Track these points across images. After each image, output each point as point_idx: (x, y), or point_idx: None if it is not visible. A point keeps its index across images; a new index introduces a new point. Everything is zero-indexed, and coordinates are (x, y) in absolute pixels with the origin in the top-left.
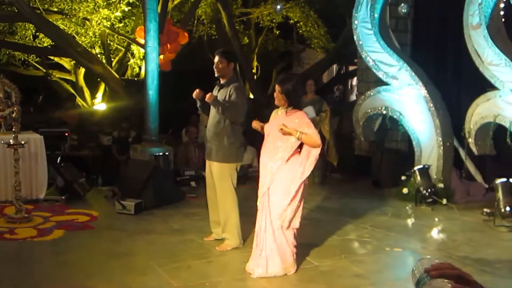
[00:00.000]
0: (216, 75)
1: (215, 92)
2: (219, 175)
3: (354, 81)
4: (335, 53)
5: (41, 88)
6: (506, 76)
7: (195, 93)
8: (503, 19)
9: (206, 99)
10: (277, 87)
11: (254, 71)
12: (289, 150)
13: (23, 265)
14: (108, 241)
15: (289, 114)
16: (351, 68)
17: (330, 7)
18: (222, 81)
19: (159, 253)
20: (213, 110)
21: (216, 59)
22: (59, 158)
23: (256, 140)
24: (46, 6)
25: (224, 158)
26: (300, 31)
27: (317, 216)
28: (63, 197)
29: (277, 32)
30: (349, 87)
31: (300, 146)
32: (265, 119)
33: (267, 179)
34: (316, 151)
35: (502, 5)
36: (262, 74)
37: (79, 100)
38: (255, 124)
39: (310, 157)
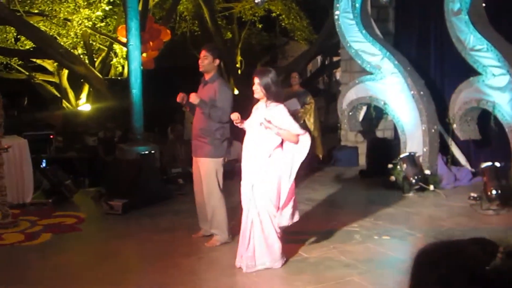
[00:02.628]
0: (200, 70)
1: (200, 89)
2: (205, 170)
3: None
4: (319, 44)
5: (25, 91)
6: (488, 61)
7: (179, 97)
8: (483, 4)
9: (190, 100)
10: (255, 79)
11: (238, 65)
12: (271, 144)
13: (11, 271)
14: (97, 243)
15: (270, 107)
16: (335, 59)
17: None
18: (206, 77)
19: (148, 252)
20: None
21: (202, 54)
22: (44, 161)
23: (242, 135)
24: (26, 8)
25: (210, 153)
26: (283, 23)
27: (304, 208)
28: (49, 200)
29: (260, 26)
30: (334, 78)
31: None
32: (249, 114)
33: (250, 174)
34: (301, 155)
35: None
36: (246, 69)
37: (63, 102)
38: (233, 116)
39: (296, 160)
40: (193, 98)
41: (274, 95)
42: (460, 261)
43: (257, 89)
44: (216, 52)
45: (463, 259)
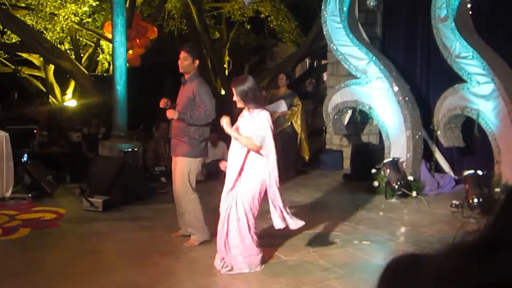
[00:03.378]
0: (180, 71)
1: (180, 89)
2: (180, 169)
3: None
4: (307, 47)
5: (11, 85)
6: (473, 69)
7: (162, 103)
8: (470, 12)
9: (168, 116)
10: (233, 90)
11: (225, 66)
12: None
13: None
14: (75, 239)
15: (254, 113)
16: (323, 62)
17: (301, 0)
18: (186, 77)
19: (126, 251)
20: (182, 102)
21: (182, 55)
22: (26, 156)
23: (227, 136)
24: (12, 1)
25: (187, 152)
26: (271, 25)
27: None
28: (29, 195)
29: (249, 27)
30: (321, 81)
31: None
32: (236, 115)
33: (233, 178)
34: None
35: None
36: (234, 69)
37: (49, 97)
38: (223, 122)
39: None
40: (171, 114)
41: (253, 102)
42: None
43: (237, 99)
44: (195, 52)
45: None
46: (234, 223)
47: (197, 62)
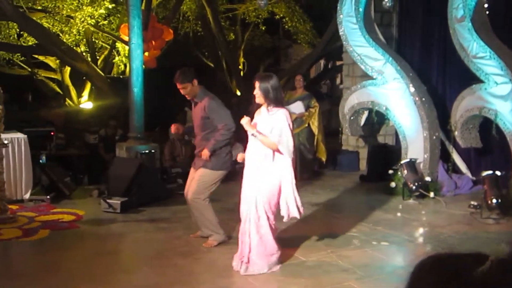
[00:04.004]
0: (189, 98)
1: (193, 109)
2: (201, 177)
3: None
4: (322, 48)
5: (27, 87)
6: (491, 69)
7: (173, 128)
8: (487, 12)
9: (203, 158)
10: (256, 84)
11: (240, 67)
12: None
13: (8, 266)
14: (94, 240)
15: (272, 112)
16: (338, 63)
17: (316, 1)
18: (195, 98)
19: (145, 251)
20: (198, 122)
21: (179, 86)
22: (44, 158)
23: (244, 137)
24: (29, 4)
25: (213, 165)
26: (286, 26)
27: (304, 212)
28: (48, 197)
29: (263, 28)
30: (337, 82)
31: None
32: (250, 115)
33: (253, 178)
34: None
35: None
36: (248, 71)
37: (65, 99)
38: (243, 121)
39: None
40: (205, 155)
41: (274, 101)
42: (451, 269)
43: (257, 94)
44: (188, 76)
45: (454, 268)
46: (254, 222)
47: (195, 82)
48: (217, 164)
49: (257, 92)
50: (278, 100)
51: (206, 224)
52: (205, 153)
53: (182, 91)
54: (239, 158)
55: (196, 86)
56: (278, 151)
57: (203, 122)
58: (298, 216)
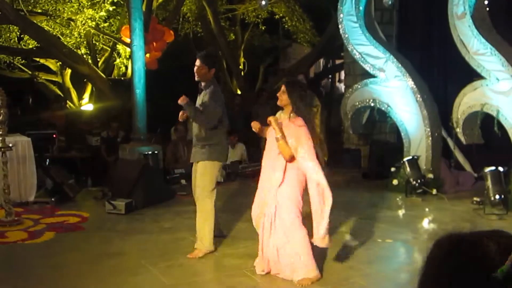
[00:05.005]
0: (196, 79)
1: (198, 96)
2: (199, 172)
3: (342, 74)
4: (322, 47)
5: (28, 90)
6: (492, 65)
7: (181, 99)
8: (487, 8)
9: (179, 101)
10: (283, 88)
11: (241, 67)
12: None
13: (14, 268)
14: (99, 242)
15: (292, 121)
16: (338, 61)
17: (315, 1)
18: (202, 85)
19: (150, 252)
20: None
21: (198, 63)
22: (47, 160)
23: (248, 137)
24: (30, 7)
25: (206, 156)
26: (286, 26)
27: (307, 210)
28: (52, 199)
29: (263, 28)
30: (337, 80)
31: None
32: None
33: (272, 182)
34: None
35: None
36: (249, 70)
37: (66, 102)
38: (255, 125)
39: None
40: (181, 99)
41: (300, 109)
42: (473, 257)
43: (282, 97)
44: (211, 61)
45: (476, 256)
46: (281, 227)
47: (213, 71)
48: (212, 155)
49: (281, 96)
50: (303, 108)
51: (200, 228)
52: (183, 98)
53: (196, 69)
54: (254, 126)
55: (211, 74)
56: (292, 161)
57: None
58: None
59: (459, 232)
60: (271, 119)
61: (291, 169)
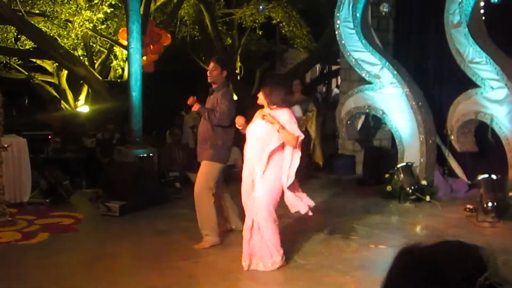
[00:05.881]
0: (209, 80)
1: (208, 98)
2: (202, 171)
3: (339, 80)
4: (318, 52)
5: (24, 91)
6: (487, 74)
7: (190, 100)
8: (483, 18)
9: (192, 109)
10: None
11: (237, 71)
12: (271, 148)
13: (8, 269)
14: (93, 244)
15: (274, 110)
16: (334, 67)
17: (313, 7)
18: (213, 87)
19: (145, 255)
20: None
21: (211, 66)
22: (42, 161)
23: (241, 140)
24: (27, 8)
25: (210, 156)
26: (283, 31)
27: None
28: (47, 200)
29: (260, 33)
30: (335, 86)
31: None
32: (249, 119)
33: (251, 178)
34: (297, 158)
35: (482, 4)
36: (245, 75)
37: (62, 103)
38: (239, 120)
39: (293, 165)
40: (195, 106)
41: (277, 101)
42: (436, 283)
43: (260, 96)
44: (224, 64)
45: (440, 282)
46: (258, 222)
47: (225, 72)
48: (216, 156)
49: (260, 95)
50: (281, 101)
51: (203, 224)
52: (196, 105)
53: (209, 69)
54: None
55: (223, 76)
56: (298, 144)
57: None
58: (303, 211)
59: (423, 249)
60: (266, 113)
61: (275, 161)
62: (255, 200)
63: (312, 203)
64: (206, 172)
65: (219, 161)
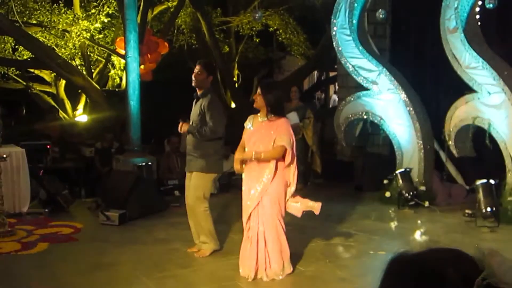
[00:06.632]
0: (193, 85)
1: (193, 105)
2: (194, 183)
3: (336, 86)
4: (315, 59)
5: (22, 101)
6: (483, 79)
7: (180, 127)
8: (479, 23)
9: (180, 131)
10: (259, 90)
11: (235, 79)
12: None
13: (7, 279)
14: (93, 253)
15: (272, 121)
16: (331, 74)
17: (309, 14)
18: (198, 93)
19: (144, 263)
20: (194, 118)
21: (197, 69)
22: (41, 171)
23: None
24: (25, 18)
25: (202, 168)
26: (280, 38)
27: (300, 222)
28: (46, 210)
29: (257, 40)
30: (333, 92)
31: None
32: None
33: (255, 187)
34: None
35: (477, 9)
36: (243, 82)
37: (60, 113)
38: (236, 167)
39: (293, 170)
40: (183, 128)
41: (277, 111)
42: (434, 286)
43: (259, 99)
44: (211, 69)
45: (438, 285)
46: (264, 230)
47: (210, 78)
48: (208, 167)
49: (259, 98)
50: (281, 110)
51: (201, 233)
52: (184, 127)
53: (194, 74)
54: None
55: (208, 81)
56: (285, 154)
57: (199, 119)
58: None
59: (416, 255)
60: (236, 156)
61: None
62: (260, 211)
63: (317, 206)
64: (199, 185)
65: (212, 172)
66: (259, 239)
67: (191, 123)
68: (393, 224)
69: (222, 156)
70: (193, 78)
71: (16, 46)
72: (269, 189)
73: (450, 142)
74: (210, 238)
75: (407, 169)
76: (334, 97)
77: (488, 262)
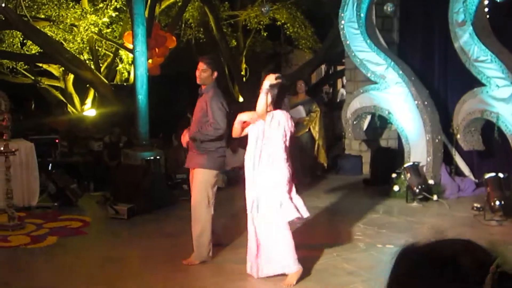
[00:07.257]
0: (198, 82)
1: (197, 101)
2: (197, 180)
3: (344, 80)
4: (323, 53)
5: (30, 95)
6: (492, 72)
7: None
8: (487, 16)
9: (183, 145)
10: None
11: (242, 73)
12: (274, 151)
13: (17, 273)
14: (102, 246)
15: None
16: (339, 68)
17: (317, 7)
18: (202, 88)
19: (152, 257)
20: (198, 115)
21: (201, 66)
22: (50, 165)
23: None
24: (33, 13)
25: (203, 164)
26: (288, 32)
27: (308, 216)
28: (55, 204)
29: (265, 34)
30: (341, 86)
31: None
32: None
33: (255, 182)
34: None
35: (486, 2)
36: (250, 76)
37: (69, 107)
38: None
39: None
40: (184, 140)
41: (277, 107)
42: (448, 274)
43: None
44: (215, 64)
45: (452, 272)
46: (264, 226)
47: (215, 74)
48: (209, 163)
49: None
50: (280, 106)
51: (197, 235)
52: (185, 138)
53: (198, 71)
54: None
55: (213, 77)
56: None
57: (201, 115)
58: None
59: (428, 244)
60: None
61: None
62: (266, 203)
63: (305, 215)
64: (202, 182)
65: (214, 168)
66: (259, 234)
67: (193, 122)
68: (401, 218)
69: (223, 153)
70: (197, 75)
71: (25, 41)
72: (269, 183)
73: (458, 136)
74: (201, 245)
75: (416, 163)
76: (342, 91)
77: (500, 250)
